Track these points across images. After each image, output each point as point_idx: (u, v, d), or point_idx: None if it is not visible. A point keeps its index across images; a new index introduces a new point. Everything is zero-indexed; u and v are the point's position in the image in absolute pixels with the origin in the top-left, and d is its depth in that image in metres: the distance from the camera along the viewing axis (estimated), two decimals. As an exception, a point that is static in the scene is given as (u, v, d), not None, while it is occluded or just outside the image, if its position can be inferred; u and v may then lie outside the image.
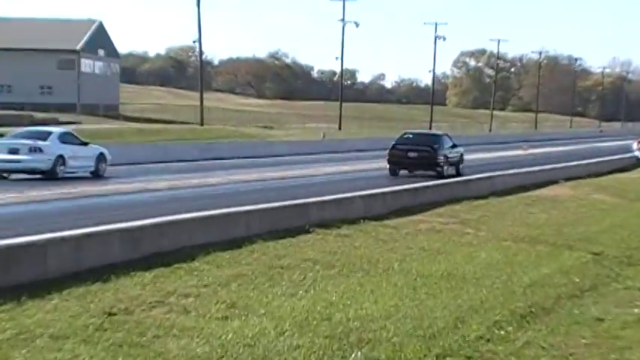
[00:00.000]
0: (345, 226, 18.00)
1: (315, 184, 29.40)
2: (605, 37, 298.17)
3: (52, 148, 28.97)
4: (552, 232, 20.13)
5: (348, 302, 11.54)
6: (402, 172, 33.78)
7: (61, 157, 29.06)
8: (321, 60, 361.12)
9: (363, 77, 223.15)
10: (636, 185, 34.13)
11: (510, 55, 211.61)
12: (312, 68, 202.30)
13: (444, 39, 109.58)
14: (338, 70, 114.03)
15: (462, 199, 24.05)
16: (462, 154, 36.30)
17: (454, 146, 35.50)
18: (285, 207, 18.06)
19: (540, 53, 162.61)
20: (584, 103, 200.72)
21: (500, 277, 14.04)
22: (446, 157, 34.14)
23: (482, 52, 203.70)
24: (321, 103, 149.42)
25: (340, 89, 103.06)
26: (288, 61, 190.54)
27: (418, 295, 12.33)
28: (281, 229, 16.73)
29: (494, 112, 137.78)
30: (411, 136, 36.14)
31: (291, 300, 11.48)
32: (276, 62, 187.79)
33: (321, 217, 18.30)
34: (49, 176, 28.44)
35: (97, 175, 30.39)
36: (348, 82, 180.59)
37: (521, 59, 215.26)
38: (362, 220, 18.90)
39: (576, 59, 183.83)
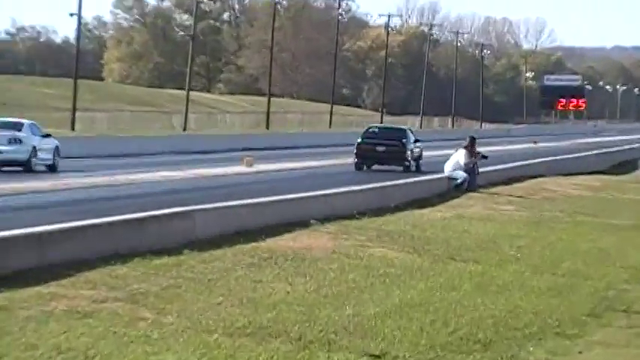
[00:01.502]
0: None
1: None
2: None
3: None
4: (297, 317, 14.43)
5: None
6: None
7: None
8: None
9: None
10: (447, 232, 25.55)
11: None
12: None
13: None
14: None
15: (132, 255, 17.35)
16: (421, 150, 43.45)
17: (417, 141, 42.58)
18: None
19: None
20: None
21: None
22: (412, 151, 41.24)
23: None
24: None
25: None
26: None
27: None
28: None
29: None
30: (376, 130, 45.04)
31: None
32: None
33: None
34: None
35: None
36: None
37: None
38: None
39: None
